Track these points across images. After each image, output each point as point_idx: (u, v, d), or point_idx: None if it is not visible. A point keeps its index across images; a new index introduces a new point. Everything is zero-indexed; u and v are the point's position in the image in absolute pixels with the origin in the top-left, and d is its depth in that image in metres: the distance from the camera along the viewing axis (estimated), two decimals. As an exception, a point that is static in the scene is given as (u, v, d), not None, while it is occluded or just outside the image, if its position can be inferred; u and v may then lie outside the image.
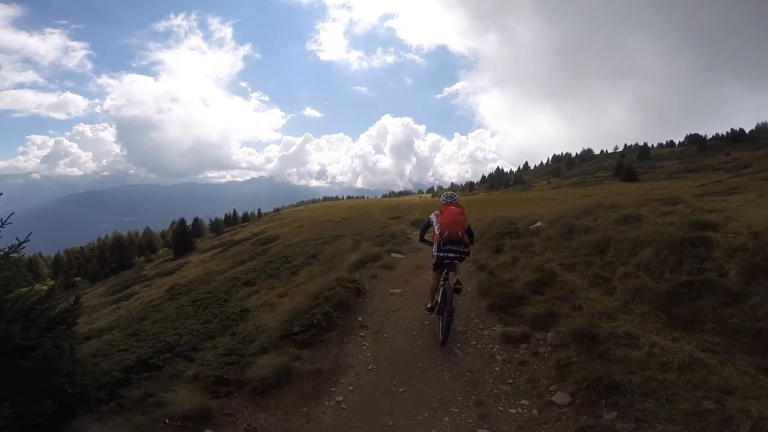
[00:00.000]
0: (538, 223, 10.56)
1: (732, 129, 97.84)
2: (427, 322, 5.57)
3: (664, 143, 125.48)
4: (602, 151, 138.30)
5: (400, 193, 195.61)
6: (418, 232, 6.33)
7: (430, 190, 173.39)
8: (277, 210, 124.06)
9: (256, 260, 24.53)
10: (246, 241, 42.09)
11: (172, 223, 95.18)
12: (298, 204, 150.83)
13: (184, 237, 53.80)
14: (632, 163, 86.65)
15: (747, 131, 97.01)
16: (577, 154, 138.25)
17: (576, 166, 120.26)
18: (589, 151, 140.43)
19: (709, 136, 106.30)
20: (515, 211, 34.53)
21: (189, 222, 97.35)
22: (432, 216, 5.26)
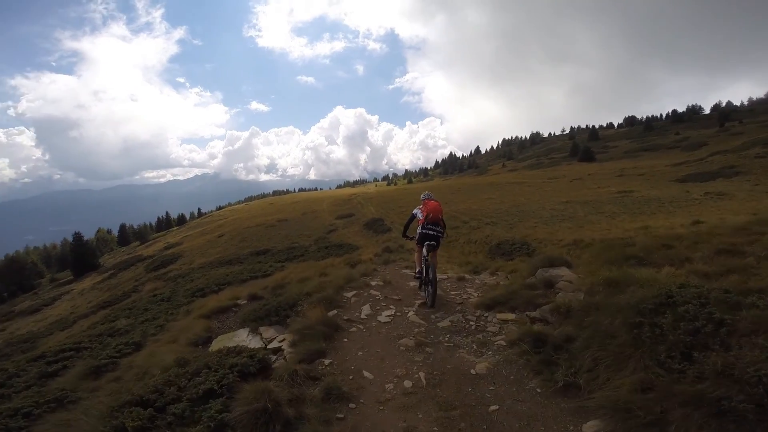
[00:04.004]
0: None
1: (674, 110, 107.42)
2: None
3: (605, 125, 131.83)
4: (550, 133, 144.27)
5: (356, 182, 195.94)
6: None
7: (386, 178, 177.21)
8: (220, 207, 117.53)
9: (118, 305, 17.24)
10: (142, 263, 33.61)
11: (98, 230, 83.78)
12: (246, 200, 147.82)
13: (81, 254, 43.45)
14: (584, 144, 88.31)
15: (678, 112, 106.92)
16: (526, 137, 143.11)
17: (528, 149, 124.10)
18: (538, 134, 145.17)
19: (643, 118, 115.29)
20: (491, 202, 30.44)
21: (115, 229, 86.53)
22: (415, 210, 6.54)
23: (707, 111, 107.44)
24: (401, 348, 4.40)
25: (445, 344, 4.46)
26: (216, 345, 6.37)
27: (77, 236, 45.52)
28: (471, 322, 5.05)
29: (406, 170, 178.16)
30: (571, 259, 6.95)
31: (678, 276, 4.39)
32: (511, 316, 5.06)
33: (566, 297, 4.86)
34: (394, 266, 11.16)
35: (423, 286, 6.25)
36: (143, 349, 7.95)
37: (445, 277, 8.26)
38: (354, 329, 5.02)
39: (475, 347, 4.34)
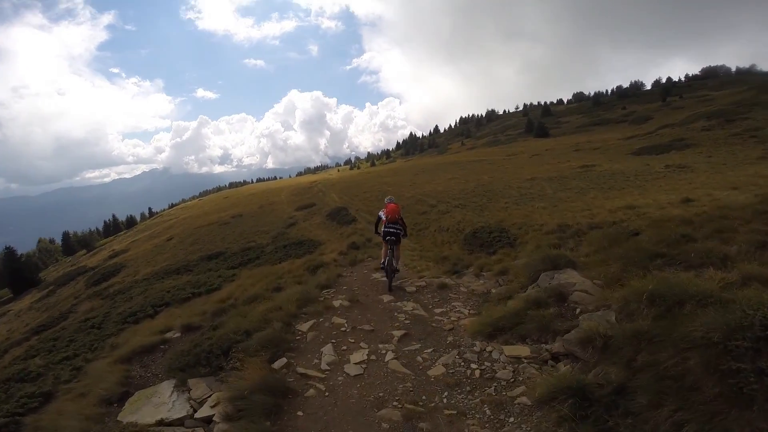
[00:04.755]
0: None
1: (619, 86, 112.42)
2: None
3: (555, 101, 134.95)
4: (504, 110, 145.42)
5: (317, 169, 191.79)
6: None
7: (348, 162, 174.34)
8: (172, 205, 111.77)
9: (52, 330, 14.77)
10: (83, 276, 30.13)
11: (39, 241, 75.91)
12: (201, 194, 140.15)
13: (17, 270, 38.41)
14: (537, 120, 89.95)
15: (623, 87, 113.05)
16: (481, 115, 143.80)
17: (484, 127, 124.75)
18: (493, 111, 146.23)
19: (590, 94, 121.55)
20: (455, 182, 28.58)
21: (59, 238, 78.14)
22: (380, 213, 7.81)
23: (648, 87, 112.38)
24: (383, 427, 2.98)
25: (445, 411, 3.09)
26: (130, 408, 4.83)
27: (9, 251, 40.11)
28: (472, 365, 3.72)
29: (369, 153, 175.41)
30: (573, 256, 5.80)
31: (755, 294, 3.24)
32: (523, 350, 3.77)
33: (593, 321, 3.59)
34: (362, 267, 9.76)
35: (387, 275, 7.24)
36: (53, 401, 6.26)
37: (423, 284, 6.98)
38: (312, 392, 3.54)
39: (488, 413, 3.02)
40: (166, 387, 4.85)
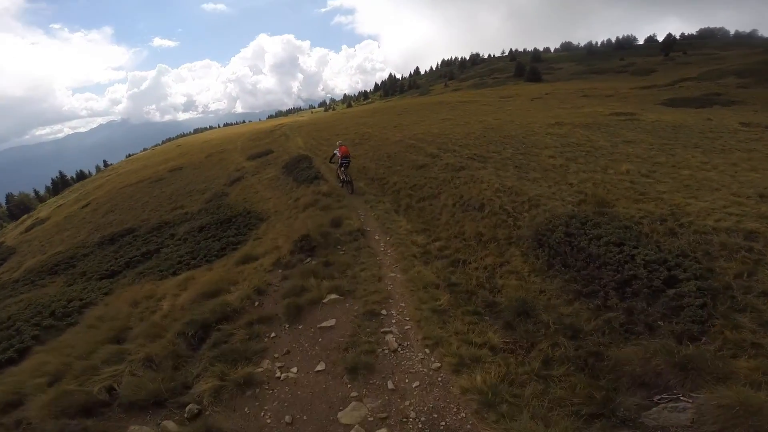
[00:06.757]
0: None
1: (618, 37, 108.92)
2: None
3: (541, 49, 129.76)
4: (490, 55, 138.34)
5: (288, 111, 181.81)
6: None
7: (323, 104, 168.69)
8: (128, 156, 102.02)
9: None
10: None
11: None
12: (164, 142, 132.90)
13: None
14: (529, 64, 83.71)
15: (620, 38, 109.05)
16: (465, 58, 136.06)
17: (469, 69, 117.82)
18: (478, 55, 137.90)
19: (579, 44, 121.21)
20: (451, 124, 20.43)
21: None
22: (335, 150, 12.10)
23: (641, 42, 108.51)
24: None
25: None
26: None
27: None
28: None
29: (345, 94, 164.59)
30: None
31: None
32: None
33: None
34: (315, 320, 3.73)
35: (345, 185, 11.70)
36: None
37: None
38: None
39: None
40: None
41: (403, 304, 4.88)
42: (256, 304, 5.30)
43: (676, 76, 46.20)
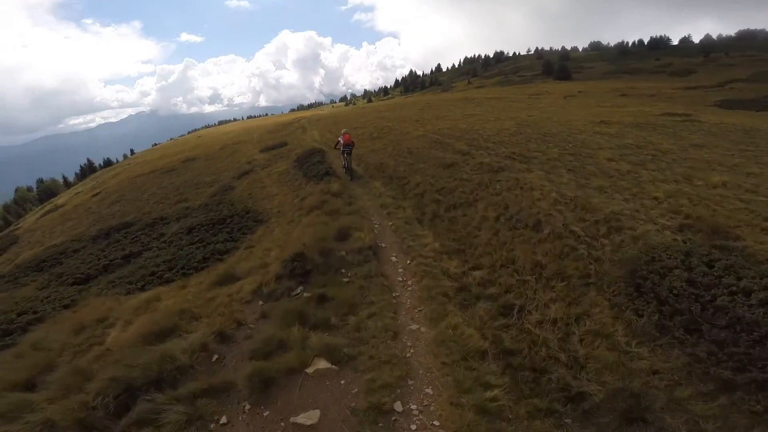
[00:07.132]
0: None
1: (651, 37, 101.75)
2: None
3: (569, 48, 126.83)
4: (515, 53, 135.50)
5: (310, 106, 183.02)
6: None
7: (344, 99, 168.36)
8: (155, 144, 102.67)
9: None
10: None
11: (16, 190, 67.88)
12: (190, 133, 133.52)
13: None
14: (557, 63, 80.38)
15: (654, 38, 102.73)
16: (489, 56, 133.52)
17: (493, 67, 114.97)
18: (502, 53, 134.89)
19: (609, 44, 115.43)
20: (478, 120, 17.68)
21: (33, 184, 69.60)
22: (339, 138, 12.35)
23: (675, 42, 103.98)
24: None
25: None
26: None
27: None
28: None
29: (365, 90, 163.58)
30: None
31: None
32: None
33: None
34: (296, 396, 2.03)
35: (346, 171, 12.03)
36: None
37: None
38: None
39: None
40: None
41: (430, 391, 3.11)
42: (214, 358, 3.67)
43: (722, 78, 43.18)
